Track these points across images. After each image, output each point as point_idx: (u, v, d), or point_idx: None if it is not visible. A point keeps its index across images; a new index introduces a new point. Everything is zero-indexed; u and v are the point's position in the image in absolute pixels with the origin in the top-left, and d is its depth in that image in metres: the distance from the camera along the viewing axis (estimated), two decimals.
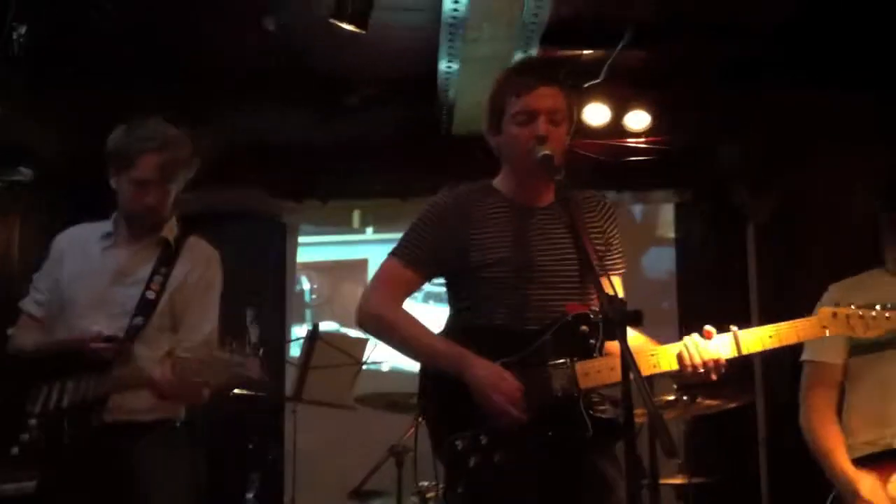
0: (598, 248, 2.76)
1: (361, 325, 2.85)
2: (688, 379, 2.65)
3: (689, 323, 6.58)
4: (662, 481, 4.48)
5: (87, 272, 3.23)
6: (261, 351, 2.94)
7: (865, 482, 3.07)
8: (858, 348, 3.14)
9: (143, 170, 3.16)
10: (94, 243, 3.28)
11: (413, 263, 2.81)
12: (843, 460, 3.13)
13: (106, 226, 3.30)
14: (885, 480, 3.08)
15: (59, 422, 3.03)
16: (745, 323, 2.75)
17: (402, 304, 2.82)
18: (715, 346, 2.65)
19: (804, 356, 3.24)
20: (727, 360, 2.65)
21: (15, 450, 3.02)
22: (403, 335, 2.77)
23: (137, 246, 3.27)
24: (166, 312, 3.21)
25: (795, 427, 3.30)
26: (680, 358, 2.63)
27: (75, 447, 3.02)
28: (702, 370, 2.63)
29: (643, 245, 6.82)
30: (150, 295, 3.17)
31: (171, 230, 3.31)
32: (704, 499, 4.77)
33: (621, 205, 6.62)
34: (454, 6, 4.65)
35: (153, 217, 3.24)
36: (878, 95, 5.59)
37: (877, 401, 3.15)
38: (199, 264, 3.31)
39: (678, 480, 4.69)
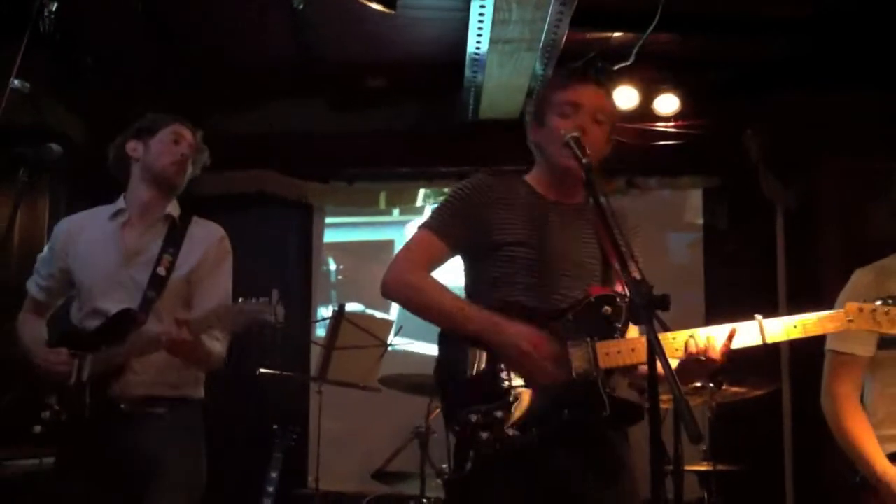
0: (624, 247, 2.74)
1: (387, 292, 2.81)
2: (689, 369, 2.62)
3: (714, 309, 6.62)
4: (686, 468, 4.47)
5: (100, 252, 3.29)
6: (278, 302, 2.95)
7: None
8: (889, 342, 3.09)
9: (175, 131, 3.35)
10: (104, 226, 3.34)
11: (441, 234, 2.80)
12: (880, 458, 3.07)
13: (113, 206, 3.38)
14: None
15: (81, 395, 3.08)
16: (771, 310, 2.73)
17: (429, 272, 2.80)
18: (737, 333, 2.62)
19: (830, 346, 3.19)
20: (754, 348, 2.64)
21: (38, 428, 3.08)
22: (431, 298, 2.74)
23: (146, 224, 3.34)
24: (178, 292, 3.26)
25: (819, 416, 3.27)
26: (686, 344, 2.60)
27: (96, 420, 3.07)
28: (703, 357, 2.59)
29: (670, 230, 6.76)
30: (161, 272, 3.24)
31: (175, 208, 3.40)
32: (728, 486, 4.75)
33: (648, 190, 6.57)
34: None
35: (175, 178, 3.36)
36: None
37: None
38: (207, 243, 3.37)
39: (702, 467, 4.67)
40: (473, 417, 2.58)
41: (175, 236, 3.33)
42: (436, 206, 2.91)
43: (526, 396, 2.58)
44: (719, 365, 2.62)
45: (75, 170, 4.87)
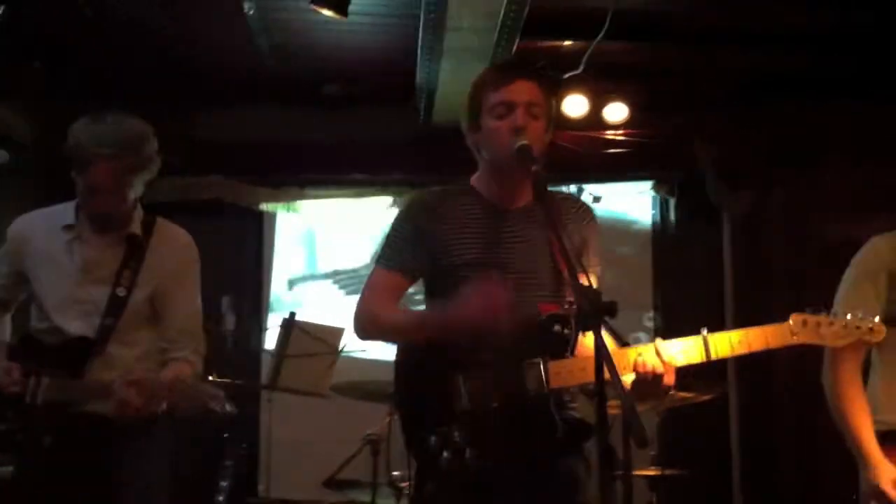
0: (575, 247, 2.74)
1: (359, 335, 2.85)
2: (643, 386, 2.62)
3: (664, 314, 6.68)
4: (635, 473, 4.50)
5: (53, 267, 3.15)
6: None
7: (887, 472, 3.03)
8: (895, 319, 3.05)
9: (95, 177, 3.04)
10: (58, 235, 3.16)
11: (395, 267, 2.81)
12: (869, 439, 3.08)
13: (66, 214, 3.18)
14: None
15: (37, 419, 3.00)
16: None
17: (392, 305, 2.82)
18: (682, 351, 2.64)
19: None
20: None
21: None
22: (386, 322, 2.78)
23: (103, 241, 3.17)
24: (140, 312, 3.15)
25: (767, 419, 3.32)
26: (635, 364, 2.61)
27: (52, 439, 3.00)
28: (655, 376, 2.60)
29: (620, 236, 6.84)
30: (121, 292, 3.11)
31: (137, 224, 3.20)
32: (677, 491, 4.81)
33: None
34: None
35: (110, 219, 3.15)
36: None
37: None
38: (172, 252, 3.24)
39: (651, 472, 4.71)
40: (433, 439, 2.58)
41: (136, 251, 3.17)
42: (385, 234, 2.90)
43: (483, 419, 2.57)
44: (670, 384, 2.63)
45: (24, 171, 4.81)
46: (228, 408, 2.97)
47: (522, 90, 2.74)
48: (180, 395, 2.96)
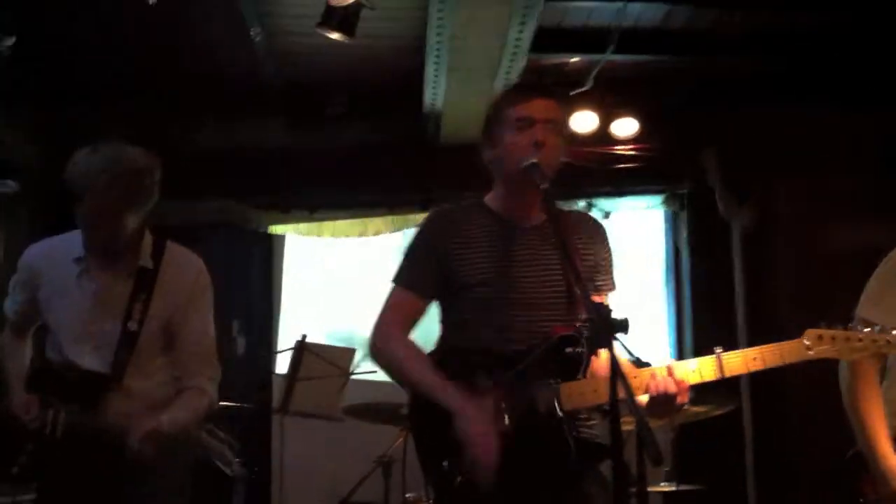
0: (588, 268, 2.77)
1: (374, 359, 2.85)
2: (657, 407, 2.61)
3: (678, 329, 6.63)
4: (650, 489, 4.47)
5: (66, 301, 3.12)
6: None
7: None
8: None
9: (88, 210, 3.01)
10: (68, 267, 3.13)
11: (411, 288, 2.82)
12: (884, 444, 3.04)
13: (76, 245, 3.14)
14: None
15: (54, 449, 2.99)
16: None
17: (408, 331, 2.82)
18: (696, 370, 2.64)
19: (859, 311, 3.10)
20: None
21: (15, 469, 3.01)
22: (409, 375, 2.75)
23: (112, 273, 3.12)
24: (154, 342, 3.12)
25: (782, 433, 3.28)
26: (647, 385, 2.60)
27: (69, 469, 2.99)
28: (668, 396, 2.58)
29: (630, 251, 6.81)
30: (133, 326, 3.07)
31: (145, 254, 3.16)
32: None
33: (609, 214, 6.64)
34: (440, 15, 4.64)
35: (109, 251, 3.11)
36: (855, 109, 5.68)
37: None
38: (183, 280, 3.19)
39: (666, 488, 4.67)
40: (447, 464, 2.58)
41: (146, 283, 3.12)
42: (402, 254, 2.90)
43: (496, 441, 2.54)
44: (683, 403, 2.62)
45: (31, 196, 4.82)
46: (236, 469, 2.96)
47: (542, 107, 2.78)
48: (187, 447, 2.99)
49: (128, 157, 3.04)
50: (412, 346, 2.80)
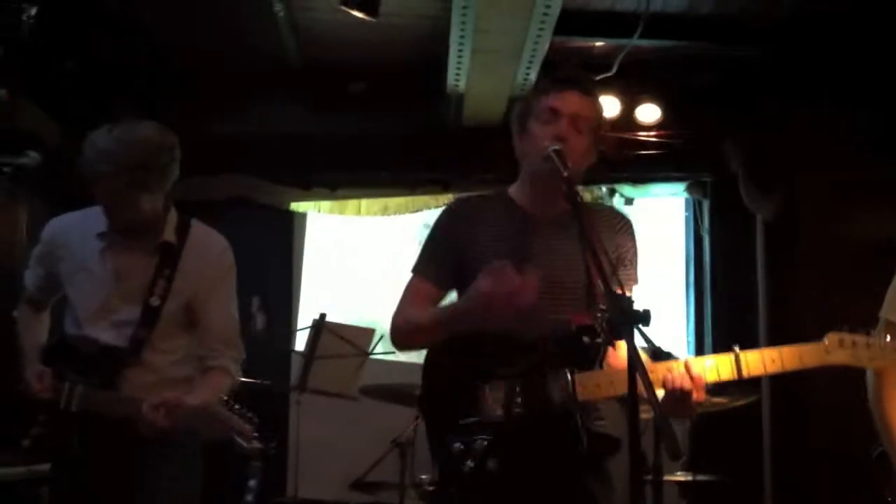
0: (610, 260, 2.71)
1: (397, 347, 2.88)
2: (672, 403, 2.57)
3: (697, 317, 6.61)
4: (666, 478, 4.46)
5: (87, 276, 3.11)
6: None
7: None
8: None
9: (102, 195, 3.01)
10: (92, 242, 3.11)
11: (430, 277, 2.84)
12: None
13: (100, 220, 3.10)
14: None
15: (68, 427, 2.99)
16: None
17: (423, 310, 2.82)
18: (713, 367, 2.61)
19: (883, 314, 3.03)
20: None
21: (26, 442, 3.02)
22: (415, 326, 2.79)
23: (135, 249, 3.11)
24: (174, 320, 3.11)
25: (801, 426, 3.25)
26: (664, 380, 2.57)
27: (82, 444, 2.99)
28: (684, 393, 2.56)
29: (652, 239, 6.78)
30: (154, 302, 3.06)
31: (170, 230, 3.13)
32: (708, 497, 4.76)
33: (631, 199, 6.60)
34: None
35: (130, 230, 3.09)
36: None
37: None
38: (207, 259, 3.17)
39: (682, 478, 4.67)
40: (456, 446, 2.56)
41: (169, 259, 3.10)
42: (422, 243, 2.91)
43: (507, 428, 2.55)
44: (700, 401, 2.60)
45: (53, 175, 4.82)
46: (255, 444, 2.95)
47: (572, 101, 2.74)
48: (205, 423, 2.93)
49: (143, 136, 3.00)
50: (416, 309, 2.81)
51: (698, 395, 2.58)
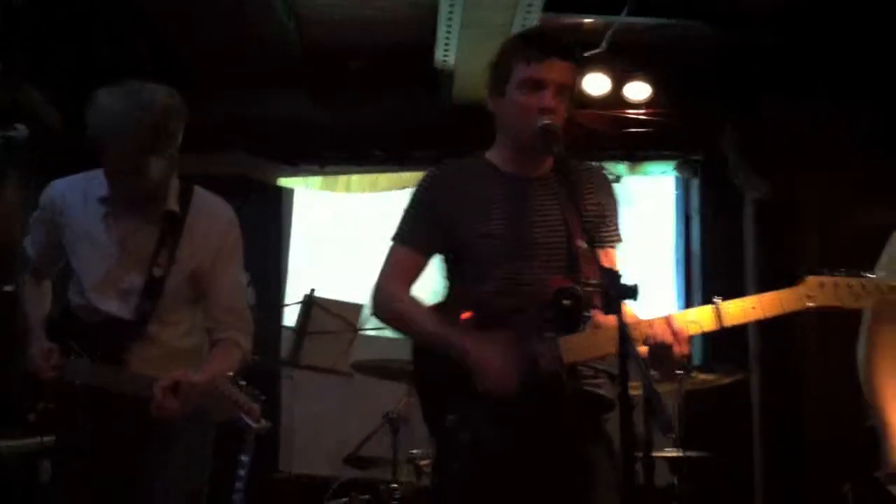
0: (594, 220, 2.76)
1: (374, 312, 2.86)
2: (655, 359, 2.59)
3: (686, 296, 6.63)
4: (656, 454, 4.49)
5: (91, 243, 3.03)
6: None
7: None
8: None
9: (111, 160, 2.89)
10: (94, 207, 3.02)
11: (412, 244, 2.81)
12: None
13: (102, 184, 3.00)
14: None
15: (73, 402, 2.94)
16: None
17: (409, 287, 2.81)
18: (695, 319, 2.61)
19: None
20: (722, 336, 2.63)
21: (32, 416, 2.98)
22: (416, 329, 2.77)
23: (139, 217, 3.02)
24: (179, 292, 3.04)
25: (790, 403, 3.27)
26: (645, 337, 2.58)
27: (88, 418, 2.95)
28: (665, 347, 2.56)
29: (641, 217, 6.79)
30: (158, 272, 2.98)
31: (174, 199, 3.04)
32: (698, 472, 4.79)
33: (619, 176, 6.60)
34: None
35: (138, 195, 2.98)
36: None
37: None
38: (212, 228, 3.09)
39: (672, 454, 4.70)
40: (451, 419, 2.58)
41: (173, 228, 3.01)
42: (403, 211, 2.88)
43: (500, 396, 2.55)
44: (683, 353, 2.60)
45: (50, 154, 4.80)
46: (264, 423, 2.93)
47: (555, 70, 2.69)
48: (216, 403, 2.87)
49: (155, 98, 2.89)
50: (414, 300, 2.80)
51: (680, 349, 2.58)
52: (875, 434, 3.06)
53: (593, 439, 2.71)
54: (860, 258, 3.13)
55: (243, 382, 2.93)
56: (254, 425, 2.91)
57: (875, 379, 3.03)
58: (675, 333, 2.57)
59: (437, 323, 2.70)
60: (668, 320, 2.59)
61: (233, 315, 3.11)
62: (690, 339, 2.61)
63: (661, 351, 2.56)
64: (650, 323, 2.58)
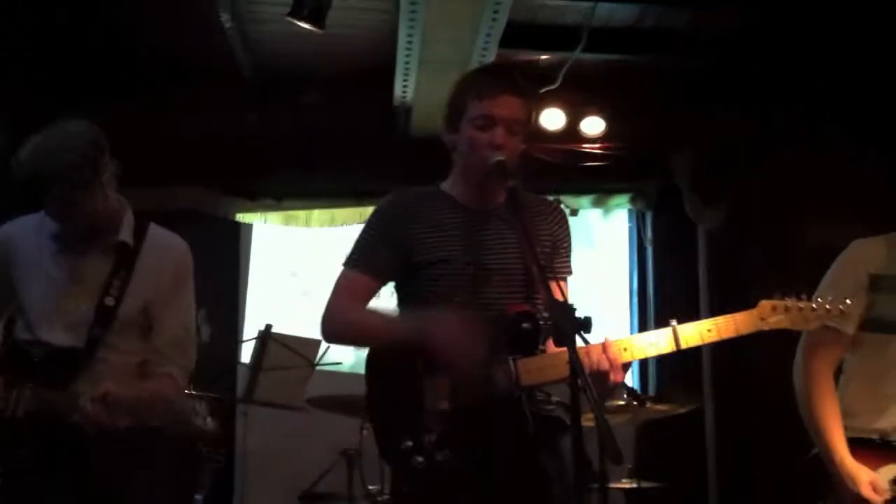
0: (546, 251, 2.79)
1: (326, 338, 2.87)
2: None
3: (641, 326, 6.67)
4: (612, 486, 4.50)
5: (42, 279, 3.01)
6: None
7: (863, 476, 2.99)
8: (873, 323, 3.06)
9: (50, 205, 2.94)
10: (46, 244, 3.04)
11: (364, 270, 2.81)
12: (842, 447, 3.03)
13: (52, 223, 3.03)
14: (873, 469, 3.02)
15: (15, 432, 2.88)
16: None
17: (359, 306, 2.81)
18: (653, 343, 2.65)
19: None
20: (677, 365, 2.66)
21: None
22: (362, 329, 2.78)
23: (91, 250, 3.03)
24: (130, 322, 3.01)
25: (743, 433, 3.30)
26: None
27: (29, 452, 2.89)
28: (600, 373, 2.56)
29: (596, 249, 6.86)
30: (109, 301, 2.97)
31: (127, 231, 3.06)
32: (653, 503, 4.81)
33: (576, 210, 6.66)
34: (412, 7, 4.63)
35: (86, 231, 3.01)
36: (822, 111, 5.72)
37: (883, 385, 3.09)
38: (165, 261, 3.10)
39: (627, 485, 4.71)
40: (405, 444, 2.58)
41: (126, 259, 3.02)
42: (356, 237, 2.89)
43: (454, 419, 2.57)
44: (617, 381, 2.60)
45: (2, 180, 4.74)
46: (209, 423, 2.91)
47: (506, 105, 2.73)
48: (149, 410, 2.86)
49: (68, 141, 2.90)
50: (367, 309, 2.80)
51: (615, 377, 2.59)
52: (821, 462, 3.10)
53: (549, 454, 2.70)
54: (812, 281, 3.20)
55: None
56: (202, 426, 2.88)
57: (814, 406, 3.10)
58: (610, 361, 2.58)
59: (390, 319, 2.74)
60: (604, 346, 2.60)
61: (177, 350, 3.09)
62: (628, 366, 2.65)
63: (595, 377, 2.53)
64: (587, 350, 2.58)
